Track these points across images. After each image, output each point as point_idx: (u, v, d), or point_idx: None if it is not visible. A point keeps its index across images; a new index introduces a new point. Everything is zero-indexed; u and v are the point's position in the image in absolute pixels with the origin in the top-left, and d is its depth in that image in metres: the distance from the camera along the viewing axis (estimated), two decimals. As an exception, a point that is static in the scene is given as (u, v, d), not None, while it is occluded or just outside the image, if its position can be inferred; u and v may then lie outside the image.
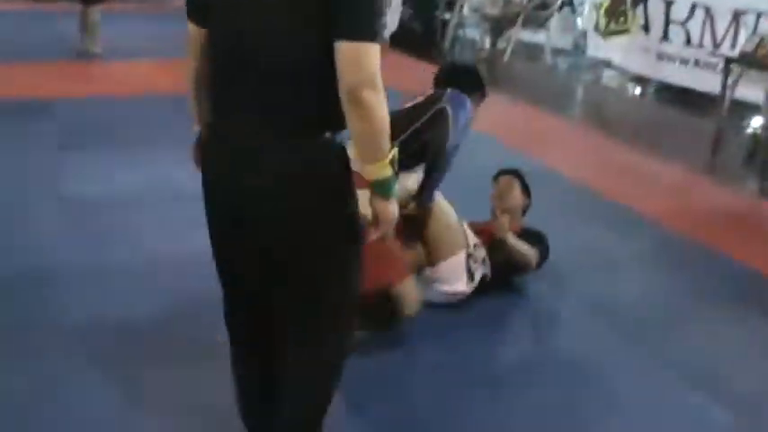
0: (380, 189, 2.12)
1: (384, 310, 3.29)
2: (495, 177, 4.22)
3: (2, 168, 5.50)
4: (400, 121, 3.44)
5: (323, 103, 2.05)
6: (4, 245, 4.29)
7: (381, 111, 2.01)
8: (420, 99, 3.68)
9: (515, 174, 4.15)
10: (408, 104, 3.67)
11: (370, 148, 2.05)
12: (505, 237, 3.73)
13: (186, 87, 2.33)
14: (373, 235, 2.22)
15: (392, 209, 2.17)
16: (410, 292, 3.33)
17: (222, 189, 2.18)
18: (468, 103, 3.68)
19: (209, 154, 2.22)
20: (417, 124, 3.50)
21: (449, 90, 3.68)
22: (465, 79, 3.82)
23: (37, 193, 5.06)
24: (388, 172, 2.09)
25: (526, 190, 4.14)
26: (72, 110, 7.16)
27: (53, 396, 3.02)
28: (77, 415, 2.91)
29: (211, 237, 2.30)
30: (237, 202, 2.14)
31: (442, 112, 3.54)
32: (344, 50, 1.96)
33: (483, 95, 3.87)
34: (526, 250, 3.83)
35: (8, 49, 9.63)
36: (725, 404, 3.09)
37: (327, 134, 2.10)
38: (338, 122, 2.07)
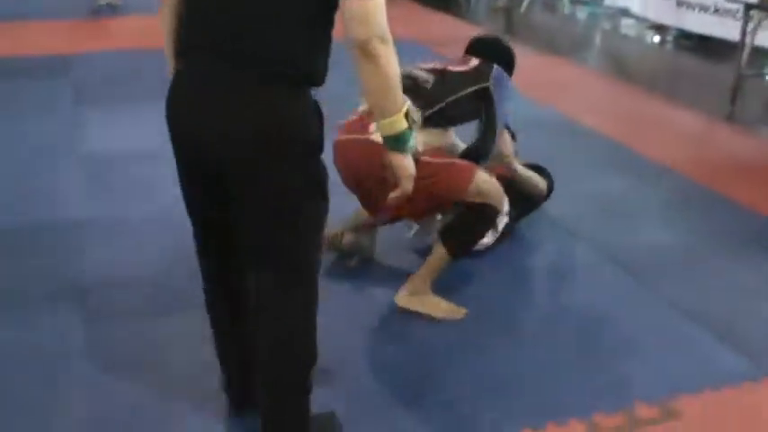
0: (396, 144, 2.13)
1: (478, 217, 3.28)
2: None
3: (20, 125, 5.55)
4: (440, 87, 3.38)
5: (306, 58, 2.07)
6: (22, 198, 4.37)
7: (393, 63, 2.04)
8: (463, 68, 3.53)
9: None
10: (449, 67, 3.52)
11: (383, 102, 2.08)
12: (514, 165, 3.77)
13: (163, 38, 2.30)
14: (395, 194, 2.23)
15: (409, 164, 2.18)
16: (485, 184, 3.26)
17: (197, 135, 2.13)
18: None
19: (184, 100, 2.17)
20: (456, 95, 3.39)
21: (495, 67, 3.53)
22: (506, 60, 3.69)
23: (54, 148, 5.11)
24: (403, 125, 2.10)
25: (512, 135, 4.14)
26: (88, 65, 7.19)
27: (65, 346, 3.08)
28: (85, 366, 2.96)
29: (183, 180, 2.30)
30: (215, 149, 2.10)
31: (487, 91, 3.44)
32: (353, 7, 1.99)
33: None
34: (537, 179, 3.86)
35: (24, 7, 9.65)
36: (740, 350, 3.11)
37: (307, 89, 2.12)
38: (318, 78, 2.11)
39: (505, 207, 3.67)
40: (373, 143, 3.02)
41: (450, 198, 3.24)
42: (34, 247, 3.85)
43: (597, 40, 9.66)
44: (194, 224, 2.36)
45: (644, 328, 3.27)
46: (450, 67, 3.53)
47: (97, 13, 9.61)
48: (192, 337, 3.14)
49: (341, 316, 3.21)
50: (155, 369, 2.95)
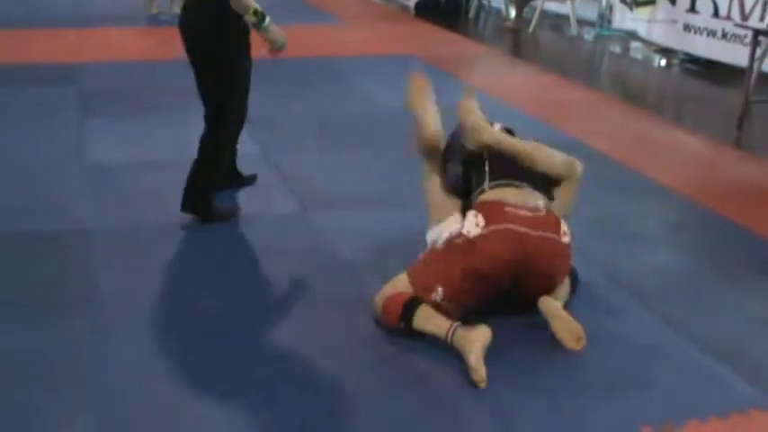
0: (259, 25, 3.92)
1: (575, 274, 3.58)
2: None
3: (28, 133, 5.56)
4: None
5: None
6: (28, 207, 4.38)
7: None
8: None
9: None
10: None
11: (241, 7, 3.88)
12: None
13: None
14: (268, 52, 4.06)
15: (275, 33, 4.00)
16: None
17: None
18: None
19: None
20: None
21: None
22: None
23: (62, 157, 5.11)
24: (254, 18, 3.89)
25: None
26: (97, 75, 7.22)
27: (76, 356, 3.08)
28: (93, 375, 2.96)
29: None
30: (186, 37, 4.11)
31: None
32: None
33: None
34: None
35: (84, 14, 10.02)
36: (748, 377, 3.08)
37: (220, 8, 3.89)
38: (226, 6, 3.88)
39: None
40: (567, 245, 3.39)
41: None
42: (42, 256, 3.86)
43: (604, 62, 9.68)
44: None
45: (650, 352, 3.25)
46: None
47: (152, 21, 9.99)
48: (200, 350, 3.14)
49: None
50: (164, 380, 2.94)
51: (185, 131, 5.65)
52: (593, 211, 4.52)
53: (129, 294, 3.52)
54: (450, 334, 3.10)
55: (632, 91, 8.20)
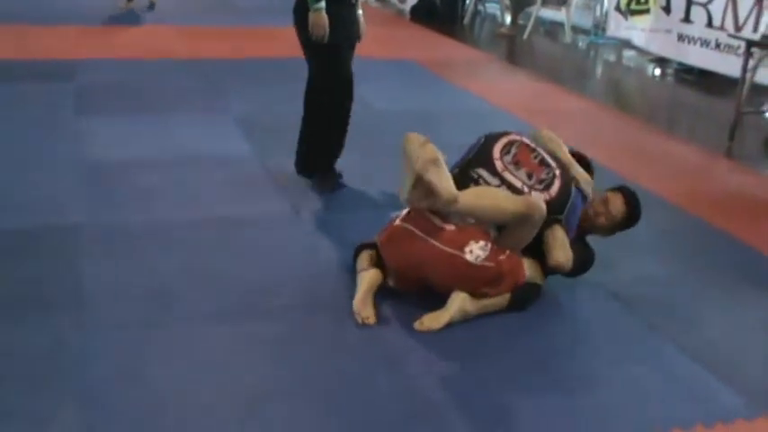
0: (310, 6, 4.29)
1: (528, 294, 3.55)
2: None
3: (20, 129, 5.55)
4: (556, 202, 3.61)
5: None
6: (19, 202, 4.36)
7: None
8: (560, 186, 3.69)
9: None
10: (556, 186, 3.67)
11: None
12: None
13: None
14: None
15: (318, 18, 4.32)
16: (536, 277, 3.59)
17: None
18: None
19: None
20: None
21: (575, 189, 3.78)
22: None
23: (54, 153, 5.11)
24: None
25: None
26: (93, 72, 7.21)
27: (61, 354, 3.06)
28: (78, 373, 2.95)
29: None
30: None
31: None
32: None
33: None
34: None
35: (84, 10, 10.06)
36: (735, 387, 3.09)
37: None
38: None
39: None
40: (470, 264, 3.34)
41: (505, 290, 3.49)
42: (31, 252, 3.83)
43: (598, 70, 9.71)
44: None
45: (637, 361, 3.25)
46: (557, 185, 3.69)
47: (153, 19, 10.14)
48: (185, 350, 3.13)
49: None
50: (149, 380, 2.93)
51: (180, 131, 5.70)
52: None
53: (116, 292, 3.50)
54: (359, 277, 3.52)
55: (625, 99, 8.22)
